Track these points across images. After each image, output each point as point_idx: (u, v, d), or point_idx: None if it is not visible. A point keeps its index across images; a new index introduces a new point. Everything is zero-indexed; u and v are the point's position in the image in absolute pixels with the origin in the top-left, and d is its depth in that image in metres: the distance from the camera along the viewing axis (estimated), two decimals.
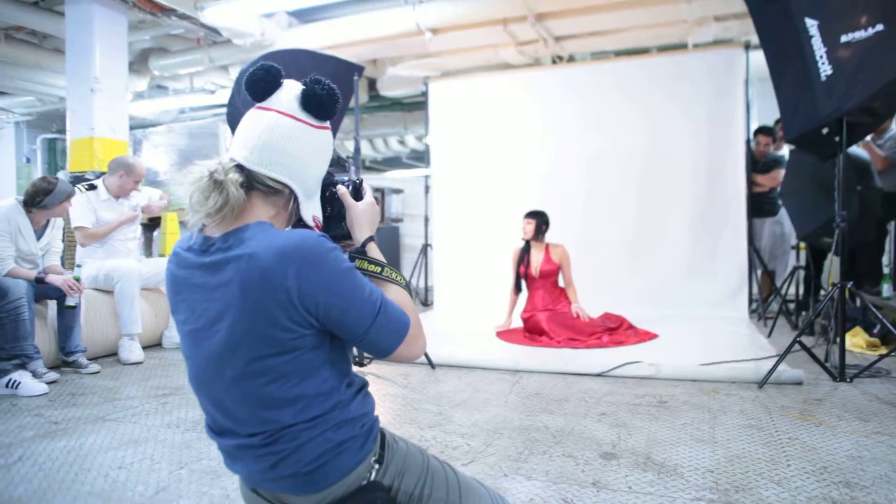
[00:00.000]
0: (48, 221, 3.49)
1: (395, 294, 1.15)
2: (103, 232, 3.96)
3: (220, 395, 1.10)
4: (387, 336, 1.09)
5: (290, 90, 1.16)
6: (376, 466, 1.10)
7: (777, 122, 5.52)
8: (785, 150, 5.54)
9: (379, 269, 1.18)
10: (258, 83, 1.16)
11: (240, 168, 1.10)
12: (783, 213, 5.47)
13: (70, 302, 3.37)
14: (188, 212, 1.07)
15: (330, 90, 1.16)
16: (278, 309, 1.01)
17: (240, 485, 1.17)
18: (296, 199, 1.15)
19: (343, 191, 1.27)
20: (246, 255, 1.03)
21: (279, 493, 1.11)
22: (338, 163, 1.31)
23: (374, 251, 1.22)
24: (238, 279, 1.02)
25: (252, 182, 1.10)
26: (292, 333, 1.03)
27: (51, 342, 3.47)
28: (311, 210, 1.19)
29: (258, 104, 1.16)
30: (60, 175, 3.92)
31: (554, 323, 4.18)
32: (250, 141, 1.12)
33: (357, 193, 1.28)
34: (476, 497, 1.19)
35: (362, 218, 1.27)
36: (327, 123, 1.20)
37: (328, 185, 1.27)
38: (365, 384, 1.18)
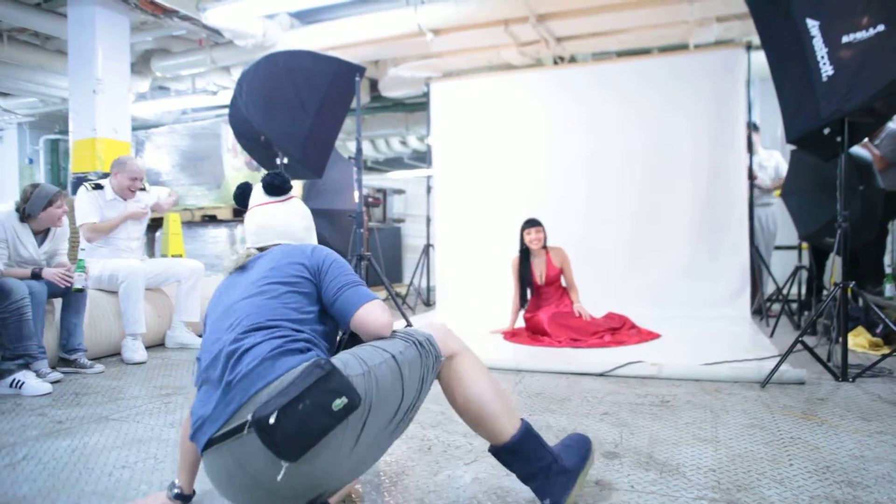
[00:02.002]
0: (49, 229, 3.45)
1: None
2: (109, 227, 3.96)
3: (229, 324, 1.45)
4: (359, 292, 1.53)
5: (256, 189, 1.79)
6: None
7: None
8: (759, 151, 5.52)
9: None
10: (238, 198, 1.82)
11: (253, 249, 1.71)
12: (757, 213, 5.43)
13: (77, 285, 3.33)
14: (224, 271, 1.68)
15: (280, 176, 1.76)
16: (295, 261, 1.55)
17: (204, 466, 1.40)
18: None
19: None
20: (278, 248, 1.65)
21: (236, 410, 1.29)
22: None
23: None
24: (271, 255, 1.60)
25: (260, 249, 1.72)
26: (297, 274, 1.53)
27: (55, 341, 3.47)
28: None
29: (248, 209, 1.79)
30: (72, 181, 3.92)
31: (556, 324, 4.18)
32: (250, 231, 1.76)
33: None
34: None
35: None
36: (291, 194, 1.80)
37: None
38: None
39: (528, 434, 1.51)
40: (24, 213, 3.29)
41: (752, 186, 5.31)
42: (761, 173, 5.48)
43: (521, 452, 1.50)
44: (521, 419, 1.54)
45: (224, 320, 1.46)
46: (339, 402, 1.22)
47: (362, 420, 1.31)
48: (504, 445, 1.51)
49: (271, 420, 1.16)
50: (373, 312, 1.49)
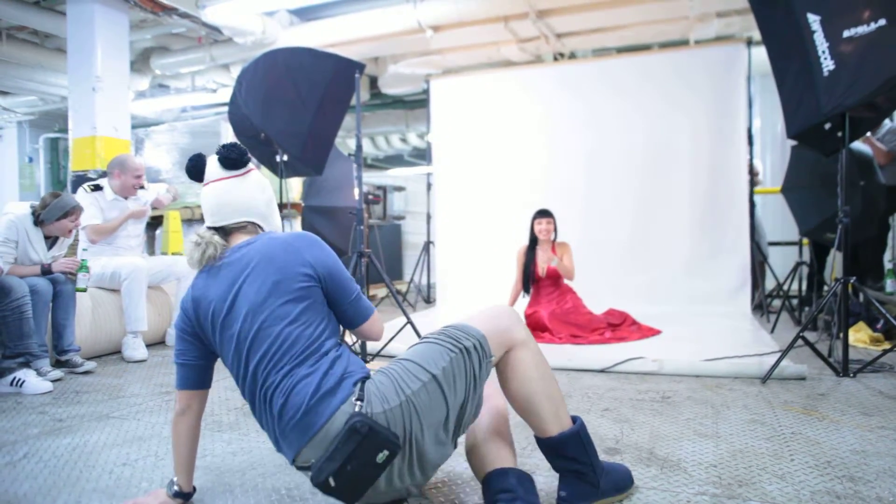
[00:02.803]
0: (59, 237, 3.50)
1: None
2: (112, 227, 3.96)
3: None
4: (362, 306, 1.57)
5: (212, 162, 1.64)
6: (359, 403, 1.36)
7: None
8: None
9: None
10: (190, 172, 1.66)
11: (213, 229, 1.60)
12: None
13: (81, 285, 3.38)
14: (194, 265, 1.55)
15: (235, 147, 1.63)
16: (298, 265, 1.47)
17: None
18: (258, 224, 1.66)
19: None
20: (266, 240, 1.53)
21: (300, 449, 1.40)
22: None
23: None
24: (261, 254, 1.49)
25: (225, 229, 1.61)
26: (305, 284, 1.46)
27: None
28: (274, 227, 1.69)
29: (203, 184, 1.64)
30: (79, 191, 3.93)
31: (556, 320, 4.18)
32: (208, 209, 1.62)
33: None
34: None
35: None
36: (250, 167, 1.67)
37: None
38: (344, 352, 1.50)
39: (573, 439, 1.51)
40: (39, 217, 3.35)
41: (752, 182, 5.30)
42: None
43: (560, 451, 1.52)
44: (575, 422, 1.54)
45: (248, 347, 1.44)
46: (381, 456, 1.32)
47: (412, 447, 1.38)
48: (543, 439, 1.53)
49: (331, 482, 1.31)
50: (374, 327, 1.61)
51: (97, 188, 3.99)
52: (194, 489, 1.66)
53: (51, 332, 3.43)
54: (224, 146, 1.63)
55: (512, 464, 1.50)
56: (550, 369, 1.56)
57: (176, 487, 1.62)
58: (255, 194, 1.64)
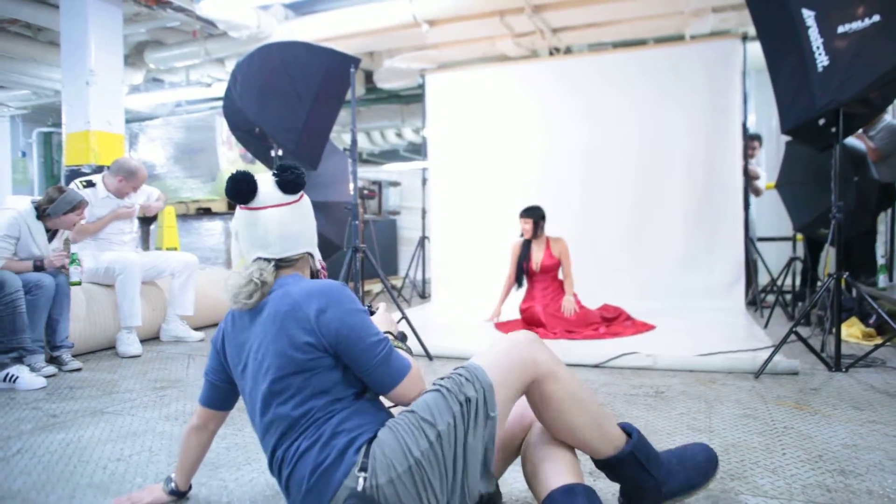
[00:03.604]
0: (59, 229, 3.50)
1: (401, 354, 1.38)
2: (96, 227, 3.92)
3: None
4: (390, 371, 1.32)
5: (268, 184, 1.43)
6: (362, 476, 1.22)
7: (752, 136, 5.58)
8: (752, 163, 5.57)
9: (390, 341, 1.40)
10: (237, 192, 1.40)
11: (267, 260, 1.41)
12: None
13: (74, 278, 3.39)
14: (230, 301, 1.38)
15: (295, 170, 1.43)
16: (300, 332, 1.28)
17: None
18: (311, 254, 1.49)
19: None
20: (282, 293, 1.35)
21: None
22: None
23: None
24: (273, 309, 1.33)
25: (280, 263, 1.42)
26: (309, 357, 1.28)
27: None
28: (318, 255, 1.52)
29: (248, 206, 1.42)
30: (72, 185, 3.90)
31: (551, 315, 4.19)
32: (266, 238, 1.41)
33: (370, 313, 1.59)
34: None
35: (380, 324, 1.53)
36: (303, 188, 1.48)
37: None
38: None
39: (629, 459, 1.40)
40: (44, 212, 3.35)
41: (747, 177, 5.31)
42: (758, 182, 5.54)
43: (616, 470, 1.43)
44: (628, 439, 1.42)
45: (256, 410, 1.35)
46: None
47: None
48: (598, 461, 1.45)
49: None
50: (408, 391, 1.34)
51: (90, 184, 3.95)
52: (190, 487, 1.67)
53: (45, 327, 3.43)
54: (282, 167, 1.43)
55: (575, 477, 1.34)
56: (587, 391, 1.43)
57: (173, 485, 1.62)
58: (309, 220, 1.49)
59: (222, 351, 1.47)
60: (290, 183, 1.42)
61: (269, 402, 1.30)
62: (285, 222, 1.41)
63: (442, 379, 1.34)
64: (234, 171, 1.41)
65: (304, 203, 1.48)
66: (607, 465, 1.43)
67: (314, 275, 1.53)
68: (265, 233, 1.40)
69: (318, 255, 1.52)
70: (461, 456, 1.25)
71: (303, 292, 1.32)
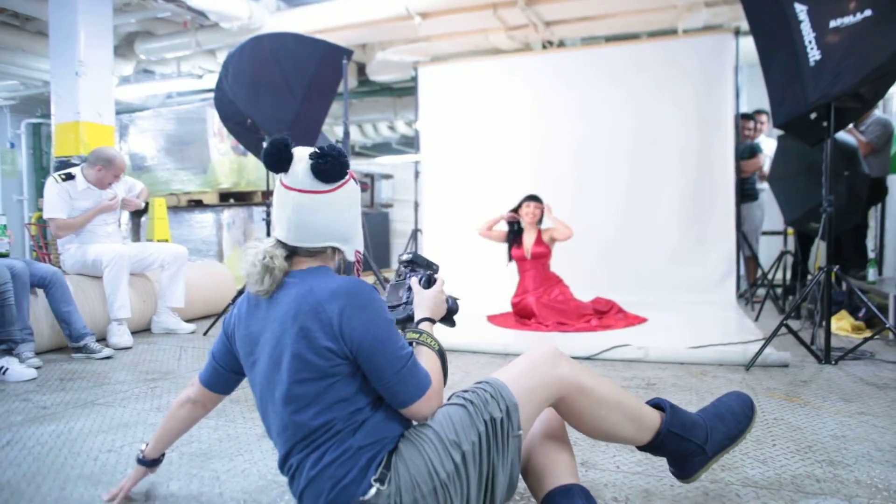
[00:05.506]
0: None
1: (426, 358, 1.31)
2: (79, 222, 3.85)
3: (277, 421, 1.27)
4: (407, 389, 1.23)
5: (302, 162, 1.29)
6: (377, 485, 1.19)
7: (755, 112, 5.60)
8: (761, 138, 5.60)
9: (418, 335, 1.36)
10: (272, 161, 1.30)
11: (282, 244, 1.30)
12: (762, 198, 5.54)
13: (2, 249, 3.34)
14: (247, 283, 1.30)
15: (335, 157, 1.27)
16: (322, 335, 1.19)
17: None
18: (336, 249, 1.35)
19: (414, 281, 1.52)
20: (306, 289, 1.24)
21: None
22: (427, 265, 1.58)
23: (424, 325, 1.42)
24: (294, 306, 1.23)
25: (296, 249, 1.31)
26: (329, 363, 1.20)
27: (49, 329, 3.50)
28: (354, 248, 1.37)
29: (283, 182, 1.30)
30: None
31: (543, 306, 4.20)
32: (285, 221, 1.30)
33: (428, 284, 1.52)
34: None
35: (424, 303, 1.47)
36: (345, 178, 1.31)
37: (404, 280, 1.55)
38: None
39: (667, 437, 1.42)
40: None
41: (739, 170, 5.32)
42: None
43: (659, 450, 1.46)
44: (662, 416, 1.44)
45: (267, 412, 1.30)
46: None
47: None
48: (640, 447, 1.47)
49: None
50: (423, 409, 1.26)
51: (69, 177, 3.84)
52: (163, 455, 1.60)
53: (59, 326, 3.43)
54: (320, 153, 1.27)
55: (573, 478, 1.35)
56: (616, 390, 1.42)
57: (140, 454, 1.56)
58: (343, 214, 1.32)
59: (233, 336, 1.38)
60: (322, 171, 1.27)
61: (284, 406, 1.23)
62: (304, 212, 1.28)
63: (465, 392, 1.30)
64: (276, 137, 1.30)
65: (339, 194, 1.31)
66: (650, 449, 1.46)
67: (347, 270, 1.44)
68: (286, 215, 1.29)
69: (350, 249, 1.36)
70: (486, 476, 1.24)
71: (327, 291, 1.22)
